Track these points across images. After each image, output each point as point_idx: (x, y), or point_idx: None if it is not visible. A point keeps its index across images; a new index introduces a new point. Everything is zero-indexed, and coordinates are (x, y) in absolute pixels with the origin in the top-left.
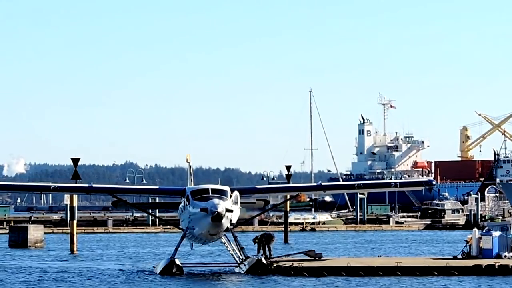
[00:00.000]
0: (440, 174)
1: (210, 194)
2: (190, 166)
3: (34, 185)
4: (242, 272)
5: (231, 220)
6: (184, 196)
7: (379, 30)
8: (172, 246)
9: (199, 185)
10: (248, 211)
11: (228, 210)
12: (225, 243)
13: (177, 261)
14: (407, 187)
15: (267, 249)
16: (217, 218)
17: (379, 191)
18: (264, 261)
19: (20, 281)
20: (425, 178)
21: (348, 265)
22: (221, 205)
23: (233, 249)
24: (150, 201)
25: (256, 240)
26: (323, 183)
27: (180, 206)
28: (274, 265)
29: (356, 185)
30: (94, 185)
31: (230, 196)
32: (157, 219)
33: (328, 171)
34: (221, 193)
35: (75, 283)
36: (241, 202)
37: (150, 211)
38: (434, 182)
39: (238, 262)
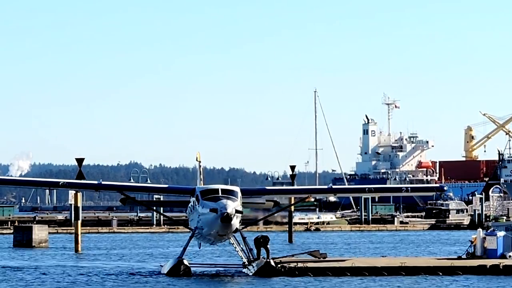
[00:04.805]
0: (445, 174)
1: (220, 194)
2: (200, 165)
3: (43, 180)
4: (251, 273)
5: (240, 221)
6: (193, 196)
7: (384, 30)
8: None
9: (208, 185)
10: (253, 211)
11: (237, 211)
12: (233, 243)
13: (185, 261)
14: (418, 192)
15: (264, 250)
16: (227, 219)
17: (389, 195)
18: (273, 263)
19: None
20: (436, 184)
21: (352, 265)
22: (231, 206)
23: (242, 250)
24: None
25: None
26: (334, 186)
27: (189, 205)
28: (279, 266)
29: (367, 189)
30: (103, 182)
31: (240, 196)
32: (162, 217)
33: (333, 171)
34: (231, 194)
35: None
36: (250, 203)
37: (157, 210)
38: (445, 188)
39: (247, 263)
